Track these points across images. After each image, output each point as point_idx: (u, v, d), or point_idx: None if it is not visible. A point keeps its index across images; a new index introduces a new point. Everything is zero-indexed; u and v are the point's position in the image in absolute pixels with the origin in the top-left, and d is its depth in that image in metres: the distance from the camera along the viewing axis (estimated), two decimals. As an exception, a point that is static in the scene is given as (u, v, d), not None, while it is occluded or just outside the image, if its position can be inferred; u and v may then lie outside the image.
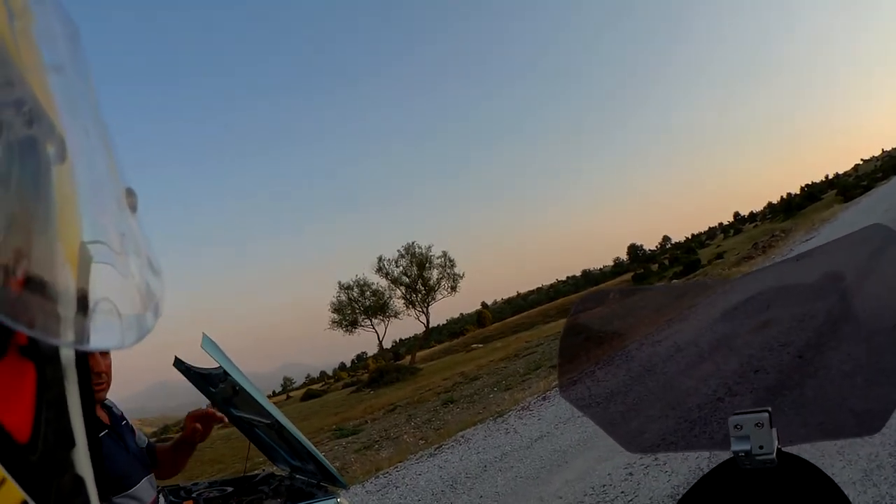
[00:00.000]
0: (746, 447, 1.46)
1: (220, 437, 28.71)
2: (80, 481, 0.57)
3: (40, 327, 0.48)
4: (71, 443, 0.57)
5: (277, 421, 6.44)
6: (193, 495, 6.55)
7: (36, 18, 0.53)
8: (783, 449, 1.49)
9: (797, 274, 2.20)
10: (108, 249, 0.58)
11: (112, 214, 0.60)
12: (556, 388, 15.89)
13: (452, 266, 63.30)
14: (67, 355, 0.58)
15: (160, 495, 6.64)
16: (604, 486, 7.82)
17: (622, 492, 7.42)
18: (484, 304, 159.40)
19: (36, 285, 0.49)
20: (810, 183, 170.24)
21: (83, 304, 0.54)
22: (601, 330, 2.27)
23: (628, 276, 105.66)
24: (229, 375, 6.31)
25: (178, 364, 6.78)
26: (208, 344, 6.33)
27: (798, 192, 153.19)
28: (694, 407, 1.95)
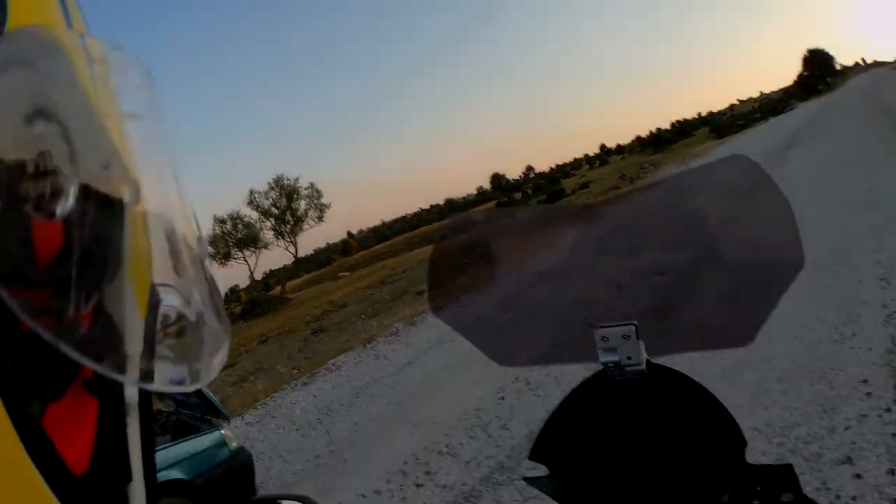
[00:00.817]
0: (614, 358, 1.45)
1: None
2: None
3: (106, 363, 0.50)
4: (128, 478, 0.58)
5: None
6: None
7: (114, 67, 0.56)
8: (652, 360, 1.49)
9: (663, 200, 2.23)
10: (177, 293, 0.60)
11: (183, 259, 0.61)
12: (424, 314, 15.92)
13: (320, 197, 63.20)
14: (131, 393, 0.59)
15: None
16: (476, 409, 8.06)
17: (496, 416, 7.66)
18: (349, 234, 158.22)
19: (105, 322, 0.51)
20: (682, 119, 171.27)
21: (150, 344, 0.56)
22: (468, 256, 2.18)
23: (492, 204, 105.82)
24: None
25: None
26: None
27: (669, 128, 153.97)
28: (565, 325, 1.92)
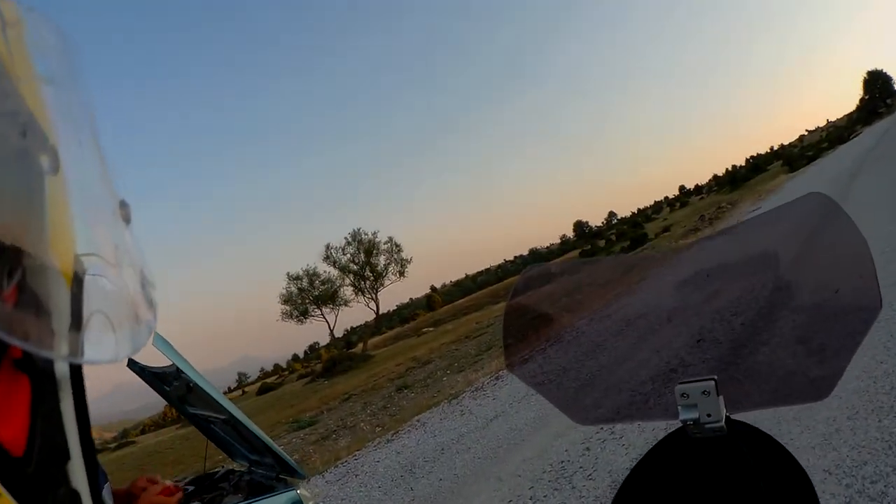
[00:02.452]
0: (694, 415, 1.44)
1: (180, 438, 28.48)
2: (75, 495, 0.57)
3: (34, 341, 0.48)
4: (66, 456, 0.56)
5: (232, 416, 6.40)
6: None
7: (29, 29, 0.54)
8: (732, 417, 1.47)
9: (740, 243, 2.21)
10: (102, 262, 0.58)
11: (106, 226, 0.60)
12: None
13: (399, 251, 63.41)
14: (62, 369, 0.57)
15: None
16: (562, 462, 7.86)
17: (580, 467, 7.46)
18: (433, 288, 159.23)
19: (30, 298, 0.50)
20: (756, 154, 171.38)
21: (77, 317, 0.54)
22: (548, 306, 2.19)
23: (575, 252, 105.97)
24: (183, 372, 6.29)
25: (132, 365, 6.71)
26: (161, 342, 6.27)
27: (743, 164, 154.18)
28: (647, 380, 1.95)
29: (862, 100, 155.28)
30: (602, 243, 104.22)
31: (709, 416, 1.44)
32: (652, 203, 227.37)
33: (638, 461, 1.59)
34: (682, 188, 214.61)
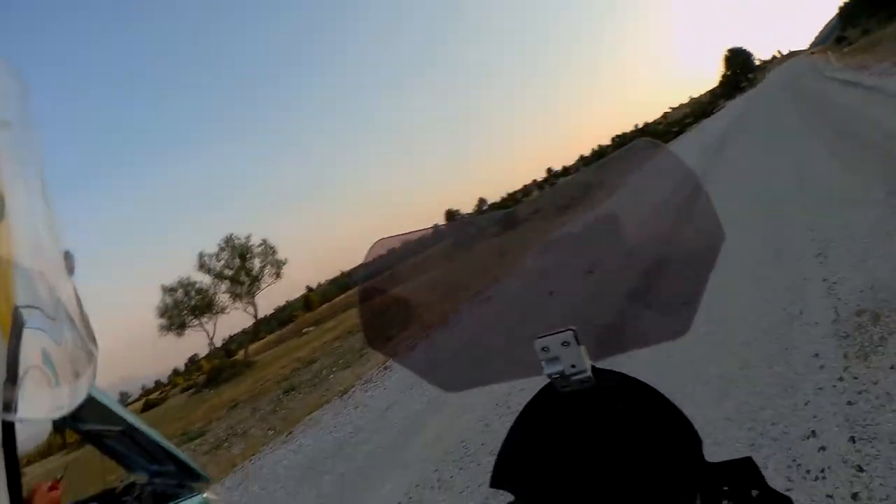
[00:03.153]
0: (559, 368, 1.43)
1: (69, 462, 27.44)
2: None
3: None
4: None
5: (130, 424, 6.29)
6: None
7: None
8: (597, 365, 1.47)
9: (579, 187, 2.30)
10: (43, 315, 0.56)
11: (49, 277, 0.58)
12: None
13: (274, 252, 62.58)
14: None
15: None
16: (462, 441, 7.97)
17: (482, 443, 7.58)
18: (309, 288, 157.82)
19: None
20: (621, 133, 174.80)
21: (13, 371, 0.52)
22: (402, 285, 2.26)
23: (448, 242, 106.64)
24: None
25: None
26: None
27: (609, 143, 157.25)
28: (504, 344, 1.94)
29: (724, 76, 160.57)
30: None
31: (573, 367, 1.44)
32: (521, 187, 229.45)
33: (511, 425, 1.59)
34: (549, 170, 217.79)
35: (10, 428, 0.55)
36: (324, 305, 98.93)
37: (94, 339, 0.63)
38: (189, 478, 6.74)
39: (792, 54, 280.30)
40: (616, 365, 1.50)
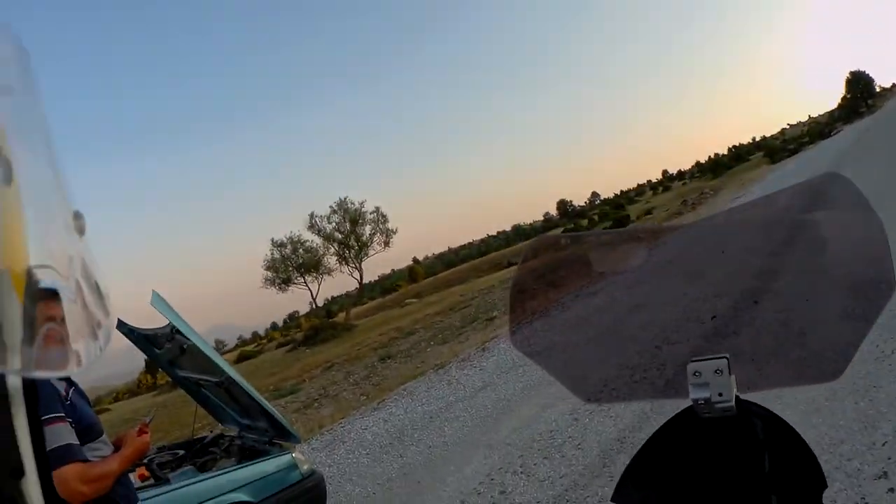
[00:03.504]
0: (706, 395, 1.45)
1: (157, 405, 28.22)
2: None
3: None
4: (20, 472, 0.55)
5: (229, 377, 6.37)
6: (145, 461, 6.48)
7: None
8: (741, 396, 1.48)
9: (754, 218, 2.16)
10: (56, 274, 0.57)
11: (60, 238, 0.59)
12: (496, 340, 16.13)
13: (385, 221, 62.53)
14: (14, 382, 0.55)
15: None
16: (551, 431, 7.88)
17: (569, 437, 7.48)
18: (416, 260, 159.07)
19: None
20: (738, 144, 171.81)
21: (29, 330, 0.53)
22: (551, 277, 2.22)
23: (558, 231, 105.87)
24: (179, 333, 6.22)
25: (122, 326, 6.66)
26: (158, 301, 6.17)
27: (725, 153, 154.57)
28: (633, 354, 1.95)
29: (844, 98, 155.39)
30: (585, 223, 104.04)
31: (720, 395, 1.44)
32: (635, 186, 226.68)
33: (646, 440, 1.59)
34: (665, 173, 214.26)
35: (31, 386, 0.60)
36: (428, 279, 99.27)
37: (107, 298, 0.63)
38: (279, 435, 6.82)
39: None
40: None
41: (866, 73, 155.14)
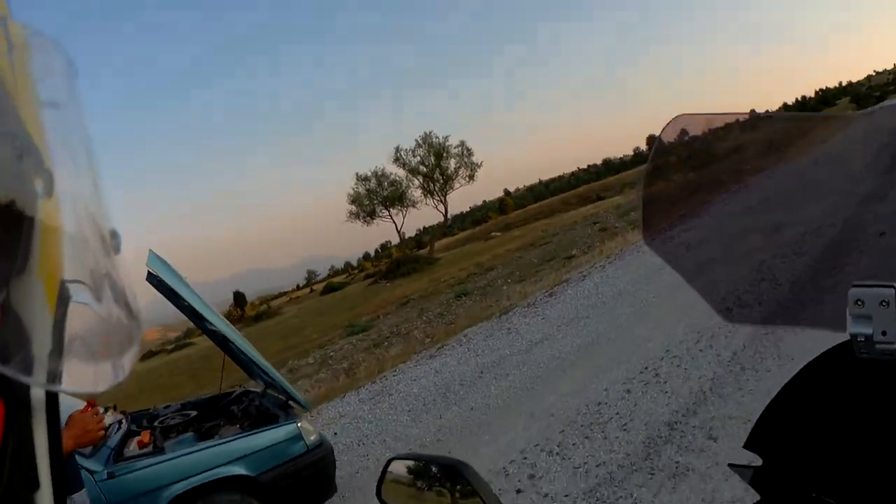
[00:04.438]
0: (867, 331, 1.21)
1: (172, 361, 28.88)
2: None
3: (13, 365, 0.47)
4: (35, 485, 0.55)
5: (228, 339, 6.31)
6: (156, 423, 6.48)
7: (34, 53, 0.53)
8: None
9: None
10: (88, 290, 0.56)
11: (95, 254, 0.57)
12: (565, 284, 15.83)
13: (470, 155, 62.91)
14: (38, 395, 0.56)
15: (125, 419, 6.35)
16: (599, 403, 7.36)
17: (617, 412, 6.95)
18: (506, 192, 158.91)
19: (12, 321, 0.48)
20: (824, 88, 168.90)
21: (59, 343, 0.53)
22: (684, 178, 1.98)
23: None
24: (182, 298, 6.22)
25: (150, 278, 6.45)
26: (155, 261, 6.13)
27: (812, 97, 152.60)
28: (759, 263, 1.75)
29: None
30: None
31: (884, 333, 1.20)
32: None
33: (794, 375, 1.42)
34: (752, 111, 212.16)
35: (53, 399, 0.58)
36: (517, 211, 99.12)
37: (139, 317, 0.59)
38: (294, 399, 6.60)
39: None
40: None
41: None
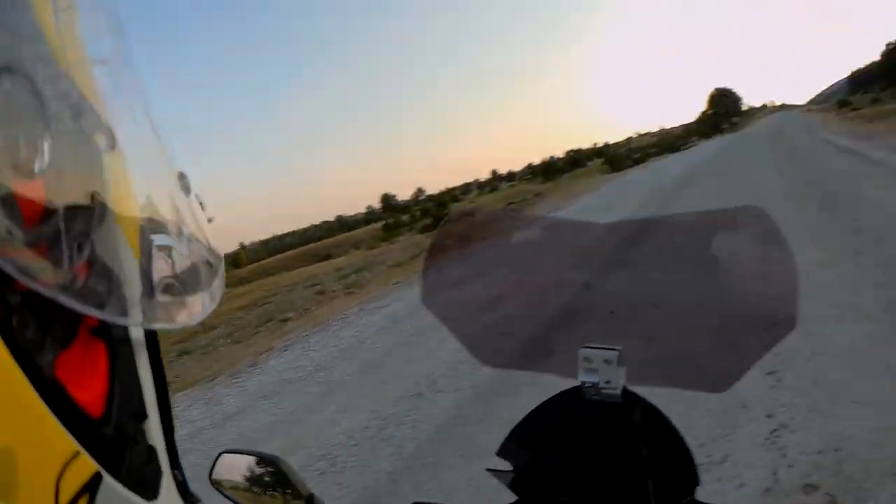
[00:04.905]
0: (594, 380, 1.49)
1: None
2: (152, 451, 0.60)
3: (109, 310, 0.50)
4: (143, 415, 0.59)
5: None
6: None
7: (81, 14, 0.55)
8: (629, 388, 1.51)
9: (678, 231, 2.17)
10: (167, 232, 0.60)
11: (167, 198, 0.62)
12: (267, 354, 15.56)
13: (203, 209, 62.23)
14: (137, 334, 0.59)
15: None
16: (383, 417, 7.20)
17: (406, 422, 6.76)
18: (241, 245, 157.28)
19: (101, 269, 0.51)
20: (578, 149, 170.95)
21: (148, 284, 0.57)
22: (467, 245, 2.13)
23: (379, 224, 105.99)
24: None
25: None
26: None
27: (563, 157, 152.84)
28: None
29: (704, 113, 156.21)
30: (406, 218, 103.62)
31: (608, 382, 1.49)
32: (462, 184, 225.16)
33: (532, 410, 1.62)
34: (494, 172, 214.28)
35: (153, 335, 0.63)
36: (251, 266, 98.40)
37: (216, 253, 0.66)
38: None
39: (785, 107, 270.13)
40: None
41: (733, 90, 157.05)
